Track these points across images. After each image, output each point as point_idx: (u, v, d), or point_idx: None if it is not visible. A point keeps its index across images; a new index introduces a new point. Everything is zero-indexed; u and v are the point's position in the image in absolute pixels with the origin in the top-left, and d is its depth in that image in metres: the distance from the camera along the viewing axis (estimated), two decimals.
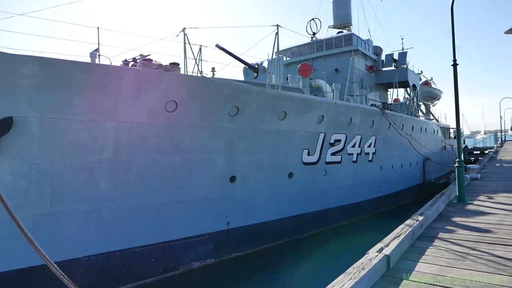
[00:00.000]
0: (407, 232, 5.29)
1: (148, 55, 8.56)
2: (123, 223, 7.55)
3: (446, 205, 8.15)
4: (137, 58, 8.42)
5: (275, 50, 9.18)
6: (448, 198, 8.62)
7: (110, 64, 6.88)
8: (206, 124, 8.23)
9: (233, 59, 11.77)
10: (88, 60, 6.89)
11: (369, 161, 13.89)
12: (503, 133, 44.58)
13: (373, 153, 13.96)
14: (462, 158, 8.96)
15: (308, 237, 11.13)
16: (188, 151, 8.20)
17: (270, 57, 15.94)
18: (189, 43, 9.14)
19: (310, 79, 15.43)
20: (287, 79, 18.66)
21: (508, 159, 19.91)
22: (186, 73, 9.03)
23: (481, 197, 9.13)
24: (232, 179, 9.26)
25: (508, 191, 9.96)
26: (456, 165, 8.80)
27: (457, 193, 8.59)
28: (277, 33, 9.12)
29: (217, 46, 11.07)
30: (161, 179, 7.97)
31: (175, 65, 7.67)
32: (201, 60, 8.19)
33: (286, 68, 18.84)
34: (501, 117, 43.71)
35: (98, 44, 6.72)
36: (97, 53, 6.76)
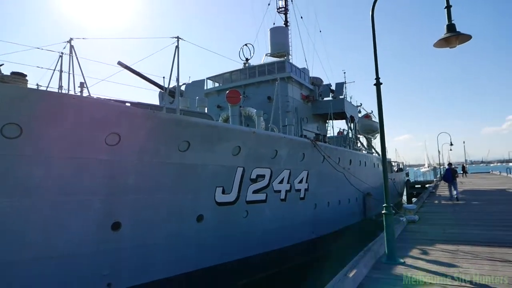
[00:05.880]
0: None
1: (2, 65, 6.57)
2: None
3: (372, 267, 6.24)
4: None
5: (175, 64, 7.52)
6: (375, 256, 6.79)
7: None
8: (67, 155, 6.20)
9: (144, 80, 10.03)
10: None
11: (301, 198, 12.38)
12: (441, 167, 46.14)
13: (306, 190, 12.49)
14: (390, 203, 6.96)
15: None
16: (39, 191, 6.06)
17: (190, 80, 14.31)
18: (76, 56, 7.33)
19: (241, 107, 14.06)
20: (218, 106, 17.31)
21: (447, 194, 19.50)
22: (70, 92, 7.09)
23: (416, 251, 7.56)
24: (116, 226, 7.18)
25: (447, 240, 8.61)
26: (384, 211, 6.82)
27: (386, 250, 6.72)
28: (177, 46, 7.53)
29: (120, 63, 9.27)
30: None
31: (19, 75, 5.68)
32: (61, 71, 6.28)
33: (218, 95, 17.41)
34: (439, 151, 45.61)
35: None
36: None
